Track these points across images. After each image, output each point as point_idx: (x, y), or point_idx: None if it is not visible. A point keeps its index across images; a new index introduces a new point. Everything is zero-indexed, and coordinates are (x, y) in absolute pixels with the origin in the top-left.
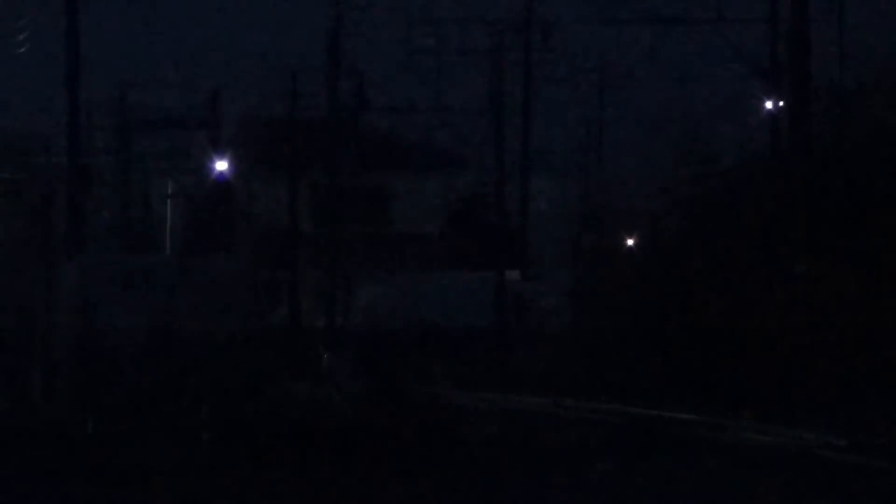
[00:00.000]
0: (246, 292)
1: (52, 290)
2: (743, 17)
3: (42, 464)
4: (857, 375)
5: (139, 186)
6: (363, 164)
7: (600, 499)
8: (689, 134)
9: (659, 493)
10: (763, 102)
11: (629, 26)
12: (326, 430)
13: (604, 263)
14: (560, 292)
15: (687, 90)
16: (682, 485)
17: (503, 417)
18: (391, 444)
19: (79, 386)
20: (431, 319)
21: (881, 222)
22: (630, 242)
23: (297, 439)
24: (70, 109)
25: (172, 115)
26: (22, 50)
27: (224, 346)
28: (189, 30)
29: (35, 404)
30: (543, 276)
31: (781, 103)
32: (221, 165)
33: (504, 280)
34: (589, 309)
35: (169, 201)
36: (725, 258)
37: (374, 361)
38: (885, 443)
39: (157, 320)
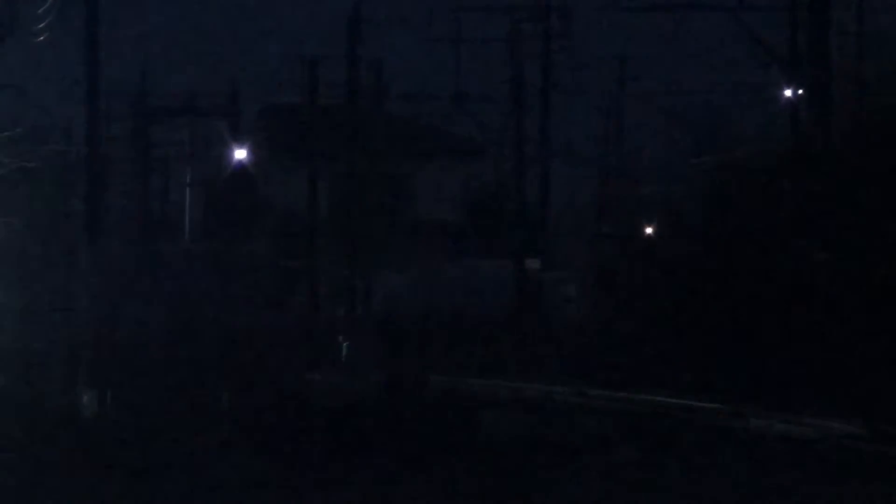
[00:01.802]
0: (265, 280)
1: (71, 278)
2: (763, 4)
3: (61, 452)
4: (880, 364)
5: (158, 175)
6: (382, 153)
7: (625, 487)
8: (708, 121)
9: (683, 481)
10: (783, 90)
11: (648, 13)
12: (346, 418)
13: (623, 252)
14: (580, 281)
15: (706, 77)
16: (706, 473)
17: (525, 406)
18: (412, 433)
19: (98, 374)
20: (451, 308)
21: None
22: (649, 231)
23: (316, 427)
24: (89, 97)
25: (192, 103)
26: (41, 38)
27: (243, 334)
28: (208, 18)
29: (56, 393)
30: (563, 264)
31: (801, 91)
32: (241, 154)
33: (524, 268)
34: (609, 297)
35: (188, 189)
36: (745, 247)
37: (395, 350)
38: None
39: (175, 308)
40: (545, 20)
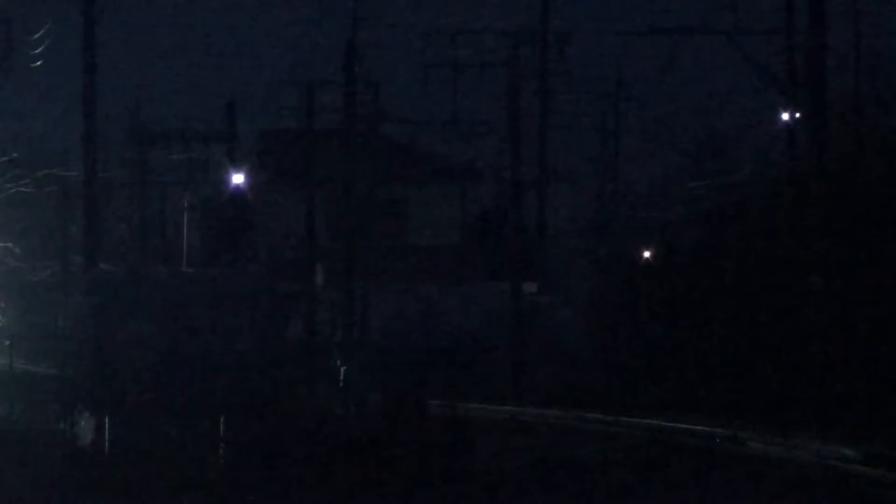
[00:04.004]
0: (262, 305)
1: (68, 303)
2: (759, 28)
3: (58, 477)
4: (873, 387)
5: (156, 199)
6: (379, 177)
7: None
8: (705, 145)
9: None
10: (780, 113)
11: (645, 37)
12: (344, 442)
13: (620, 275)
14: (576, 304)
15: (703, 101)
16: (701, 497)
17: (522, 430)
18: (410, 457)
19: (95, 399)
20: (447, 331)
21: None
22: (647, 255)
23: (314, 452)
24: (87, 123)
25: (189, 128)
26: (38, 63)
27: (240, 359)
28: (206, 44)
29: (54, 418)
30: (559, 287)
31: (798, 114)
32: (238, 178)
33: (520, 292)
34: (605, 321)
35: (185, 214)
36: (742, 270)
37: (392, 374)
38: None
39: (172, 333)
40: (542, 44)
